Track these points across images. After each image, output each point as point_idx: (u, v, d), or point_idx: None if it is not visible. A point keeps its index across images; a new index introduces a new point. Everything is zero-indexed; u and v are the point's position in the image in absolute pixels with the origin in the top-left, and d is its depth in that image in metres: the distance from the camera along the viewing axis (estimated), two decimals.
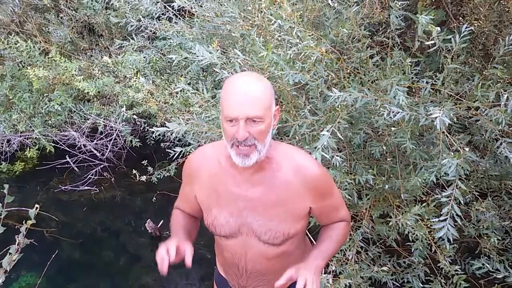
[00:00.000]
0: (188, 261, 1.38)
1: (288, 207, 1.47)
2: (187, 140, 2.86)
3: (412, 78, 2.39)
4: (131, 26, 3.86)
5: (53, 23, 4.72)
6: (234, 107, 1.28)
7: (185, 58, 2.84)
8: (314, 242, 2.64)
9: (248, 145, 1.32)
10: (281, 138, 2.68)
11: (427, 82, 2.31)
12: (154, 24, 3.79)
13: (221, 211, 1.52)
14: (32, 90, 4.31)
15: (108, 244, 3.78)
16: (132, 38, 4.28)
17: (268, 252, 1.54)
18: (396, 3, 2.30)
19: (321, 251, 1.53)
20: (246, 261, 1.58)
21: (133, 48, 4.30)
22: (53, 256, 3.36)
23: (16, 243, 2.16)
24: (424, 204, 2.35)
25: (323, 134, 2.09)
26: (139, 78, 3.74)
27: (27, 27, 4.70)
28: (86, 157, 4.73)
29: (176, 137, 2.78)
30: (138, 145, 4.49)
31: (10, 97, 4.28)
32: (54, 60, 4.06)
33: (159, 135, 2.98)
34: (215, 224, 1.53)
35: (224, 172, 1.49)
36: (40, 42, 4.59)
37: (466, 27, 2.01)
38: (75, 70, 4.06)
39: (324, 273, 2.48)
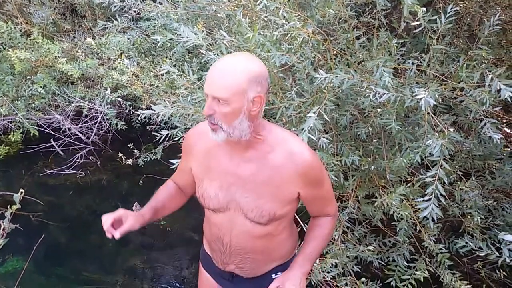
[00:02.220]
0: (116, 233, 1.55)
1: (276, 189, 1.48)
2: (173, 123, 2.84)
3: (398, 59, 2.40)
4: (115, 6, 3.78)
5: (34, 4, 4.60)
6: (206, 84, 1.34)
7: (170, 39, 2.80)
8: (301, 223, 2.67)
9: (213, 123, 1.37)
10: (268, 120, 2.68)
11: (412, 63, 2.31)
12: (138, 4, 3.72)
13: (211, 183, 1.56)
14: (14, 73, 4.21)
15: (95, 227, 3.73)
16: (116, 19, 4.20)
17: (254, 231, 1.56)
18: None
19: (306, 256, 1.61)
20: (231, 237, 1.61)
21: (116, 29, 4.22)
22: (40, 240, 3.34)
23: (1, 228, 2.14)
24: (409, 185, 2.39)
25: (310, 116, 2.09)
26: (123, 60, 3.68)
27: (7, 8, 4.57)
28: (71, 140, 4.66)
29: (162, 120, 2.75)
30: (123, 128, 4.45)
31: None
32: (36, 42, 3.98)
33: (145, 118, 2.94)
34: (205, 196, 1.58)
35: (218, 147, 1.53)
36: (21, 23, 4.48)
37: (452, 8, 2.01)
38: (58, 52, 3.98)
39: None
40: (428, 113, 2.17)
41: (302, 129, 2.07)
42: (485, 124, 2.15)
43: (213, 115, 1.35)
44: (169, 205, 1.80)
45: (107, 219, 1.55)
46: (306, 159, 1.46)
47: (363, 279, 2.62)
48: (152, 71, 3.76)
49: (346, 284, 2.63)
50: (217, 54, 2.45)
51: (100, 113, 4.55)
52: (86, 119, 4.65)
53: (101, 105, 4.38)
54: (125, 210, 1.60)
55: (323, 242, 1.67)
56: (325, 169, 2.32)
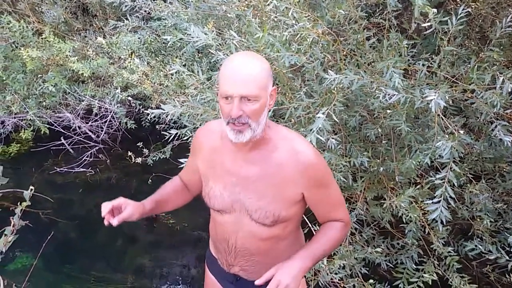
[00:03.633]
0: (114, 220, 1.62)
1: (279, 189, 1.47)
2: (182, 122, 2.85)
3: (408, 60, 2.39)
4: (126, 6, 3.80)
5: (46, 3, 4.65)
6: (230, 85, 1.32)
7: (180, 39, 2.81)
8: (309, 224, 2.66)
9: (242, 123, 1.35)
10: (277, 121, 2.68)
11: (423, 65, 2.30)
12: (149, 4, 3.74)
13: (216, 183, 1.57)
14: (25, 71, 4.26)
15: (104, 225, 3.78)
16: (127, 19, 4.23)
17: (259, 233, 1.55)
18: None
19: (311, 251, 1.51)
20: (236, 238, 1.60)
21: (127, 29, 4.25)
22: (49, 237, 3.36)
23: (11, 224, 2.16)
24: (418, 186, 2.37)
25: (319, 117, 2.08)
26: (133, 59, 3.71)
27: (20, 7, 4.62)
28: (81, 138, 4.71)
29: (172, 119, 2.77)
30: (133, 127, 4.48)
31: (4, 78, 4.23)
32: (47, 40, 4.01)
33: (154, 117, 2.96)
34: (210, 196, 1.59)
35: (223, 147, 1.53)
36: (33, 22, 4.53)
37: (463, 9, 2.00)
38: (69, 51, 4.01)
39: None
40: (438, 115, 2.15)
41: (311, 130, 2.07)
42: (496, 126, 2.13)
43: (242, 115, 1.34)
44: (173, 200, 1.82)
45: (105, 206, 1.60)
46: (310, 159, 1.45)
47: (371, 281, 2.61)
48: (162, 71, 3.77)
49: (354, 286, 2.62)
50: (227, 54, 2.46)
51: (110, 112, 4.58)
52: (96, 118, 4.69)
53: (111, 104, 4.41)
54: (125, 199, 1.64)
55: (332, 244, 1.59)
56: (333, 170, 2.33)
